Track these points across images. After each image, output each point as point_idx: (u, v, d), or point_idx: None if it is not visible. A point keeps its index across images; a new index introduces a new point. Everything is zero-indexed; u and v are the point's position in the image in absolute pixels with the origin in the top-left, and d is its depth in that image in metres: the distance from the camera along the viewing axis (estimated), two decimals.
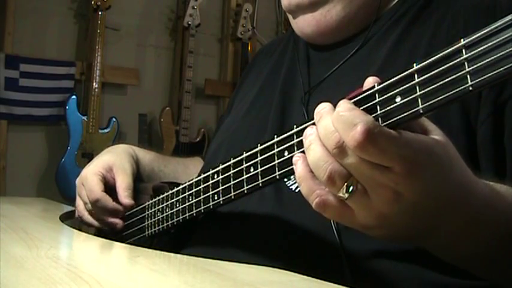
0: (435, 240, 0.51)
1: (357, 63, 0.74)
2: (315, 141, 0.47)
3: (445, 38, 0.66)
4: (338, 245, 0.61)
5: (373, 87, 0.46)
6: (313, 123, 0.49)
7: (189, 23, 2.84)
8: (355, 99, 0.47)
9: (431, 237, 0.51)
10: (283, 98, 0.81)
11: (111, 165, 0.92)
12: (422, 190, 0.45)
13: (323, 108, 0.47)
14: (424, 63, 0.42)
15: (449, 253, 0.54)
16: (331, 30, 0.77)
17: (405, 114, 0.43)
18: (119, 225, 0.91)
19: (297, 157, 0.49)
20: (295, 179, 0.68)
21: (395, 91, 0.44)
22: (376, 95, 0.45)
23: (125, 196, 0.89)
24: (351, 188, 0.45)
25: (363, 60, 0.73)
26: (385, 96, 0.45)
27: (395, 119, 0.44)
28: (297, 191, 0.68)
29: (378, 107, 0.45)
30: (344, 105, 0.45)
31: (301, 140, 0.53)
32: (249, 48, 3.08)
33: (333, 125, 0.45)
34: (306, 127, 0.52)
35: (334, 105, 0.47)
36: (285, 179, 0.70)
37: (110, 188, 0.92)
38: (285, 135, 0.55)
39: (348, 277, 0.59)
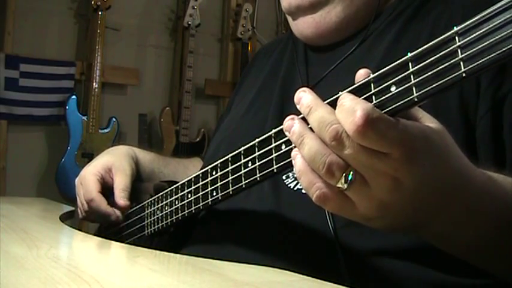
0: (435, 229, 0.51)
1: (355, 61, 0.74)
2: (307, 135, 0.47)
3: None
4: (336, 243, 0.61)
5: (369, 77, 0.46)
6: (290, 117, 0.49)
7: (189, 23, 2.84)
8: (350, 89, 0.47)
9: (430, 226, 0.51)
10: (281, 98, 0.81)
11: (110, 166, 0.92)
12: (421, 176, 0.45)
13: (310, 101, 0.47)
14: (417, 52, 0.43)
15: (448, 243, 0.54)
16: (330, 31, 0.77)
17: (400, 102, 0.44)
18: (112, 218, 0.91)
19: (296, 151, 0.48)
20: (293, 176, 0.69)
21: (390, 81, 0.44)
22: (372, 86, 0.46)
23: (120, 197, 0.89)
24: (350, 178, 0.45)
25: (361, 58, 0.73)
26: (381, 86, 0.45)
27: (390, 108, 0.44)
28: (295, 189, 0.68)
29: (374, 97, 0.46)
30: (346, 95, 0.45)
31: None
32: (249, 48, 3.08)
33: (330, 117, 0.45)
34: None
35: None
36: (284, 177, 0.70)
37: (108, 188, 0.92)
38: (281, 127, 0.54)
39: (346, 276, 0.59)
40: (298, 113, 0.50)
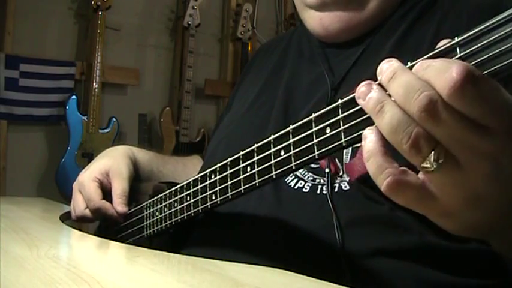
0: None
1: (367, 57, 0.73)
2: (388, 101, 0.39)
3: (447, 36, 0.66)
4: (337, 243, 0.61)
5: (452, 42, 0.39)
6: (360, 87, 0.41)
7: (189, 23, 2.84)
8: (429, 55, 0.40)
9: None
10: (286, 96, 0.80)
11: (107, 169, 0.92)
12: None
13: (396, 67, 0.39)
14: (417, 62, 0.41)
15: None
16: (357, 27, 0.75)
17: None
18: (120, 220, 0.92)
19: (369, 129, 0.41)
20: (292, 178, 0.69)
21: None
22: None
23: (118, 203, 0.89)
24: (441, 156, 0.37)
25: (372, 54, 0.73)
26: None
27: None
28: (296, 187, 0.68)
29: None
30: (429, 59, 0.38)
31: (298, 140, 0.51)
32: (249, 48, 3.08)
33: (419, 82, 0.37)
34: (302, 124, 0.51)
35: None
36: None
37: (107, 192, 0.91)
38: (281, 132, 0.54)
39: (347, 276, 0.59)
40: (304, 111, 0.48)
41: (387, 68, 0.39)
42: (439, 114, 0.36)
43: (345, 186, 0.64)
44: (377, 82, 0.41)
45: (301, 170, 0.68)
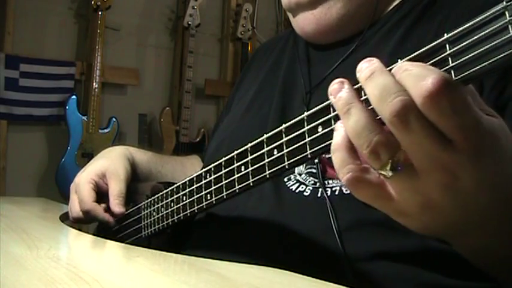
0: (475, 239, 0.45)
1: (358, 62, 0.73)
2: (355, 104, 0.39)
3: None
4: (338, 246, 0.61)
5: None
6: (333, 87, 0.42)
7: (189, 23, 2.84)
8: (410, 57, 0.40)
9: (472, 236, 0.45)
10: (283, 97, 0.80)
11: (104, 171, 0.91)
12: (481, 180, 0.39)
13: (375, 67, 0.39)
14: (407, 60, 0.41)
15: (485, 255, 0.49)
16: (331, 28, 0.77)
17: None
18: (111, 224, 0.91)
19: (341, 123, 0.41)
20: (295, 178, 0.69)
21: None
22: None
23: (115, 204, 0.88)
24: (398, 165, 0.38)
25: (364, 55, 0.73)
26: None
27: None
28: (297, 191, 0.68)
29: None
30: (409, 62, 0.38)
31: (291, 139, 0.51)
32: (249, 48, 3.08)
33: (396, 86, 0.37)
34: (294, 123, 0.51)
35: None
36: (285, 179, 0.69)
37: (103, 194, 0.91)
38: (274, 132, 0.54)
39: (348, 279, 0.59)
40: (300, 112, 0.48)
41: (366, 66, 0.40)
42: (410, 122, 0.36)
43: (346, 190, 0.63)
44: (358, 84, 0.41)
45: (303, 175, 0.68)
